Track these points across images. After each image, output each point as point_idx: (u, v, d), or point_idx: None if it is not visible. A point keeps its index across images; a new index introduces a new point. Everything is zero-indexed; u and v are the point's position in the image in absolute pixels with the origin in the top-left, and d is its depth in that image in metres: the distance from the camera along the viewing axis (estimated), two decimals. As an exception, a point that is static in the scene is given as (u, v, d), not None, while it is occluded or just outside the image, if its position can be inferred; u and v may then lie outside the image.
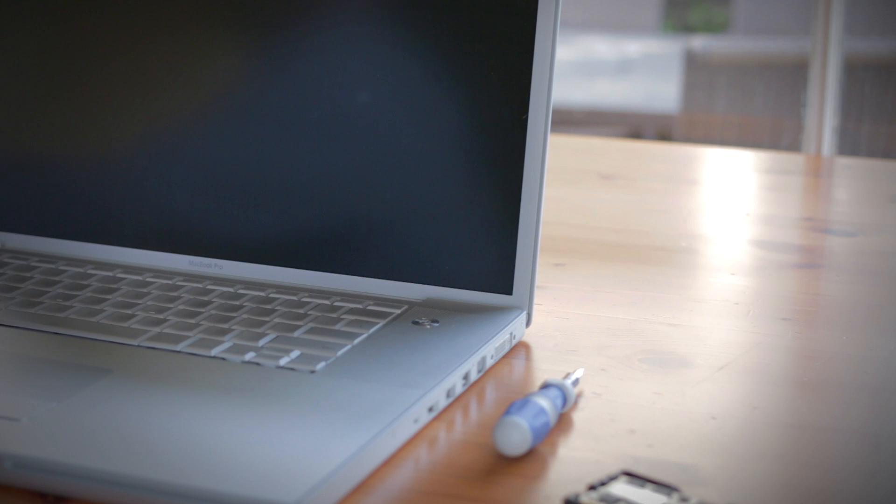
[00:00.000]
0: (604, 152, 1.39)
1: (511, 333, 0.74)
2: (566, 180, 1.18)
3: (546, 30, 0.76)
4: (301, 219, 0.81)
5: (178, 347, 0.71)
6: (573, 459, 0.62)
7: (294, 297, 0.78)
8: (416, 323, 0.74)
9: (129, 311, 0.76)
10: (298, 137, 0.81)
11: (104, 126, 0.85)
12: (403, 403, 0.63)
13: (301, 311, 0.76)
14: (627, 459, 0.61)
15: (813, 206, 1.17)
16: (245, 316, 0.75)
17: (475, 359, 0.70)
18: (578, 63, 4.47)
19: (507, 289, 0.76)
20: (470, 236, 0.77)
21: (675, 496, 0.56)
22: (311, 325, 0.74)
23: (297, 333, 0.73)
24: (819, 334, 0.81)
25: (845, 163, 1.49)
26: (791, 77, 3.16)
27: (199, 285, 0.80)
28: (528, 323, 0.77)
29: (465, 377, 0.69)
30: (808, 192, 1.23)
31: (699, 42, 4.22)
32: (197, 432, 0.60)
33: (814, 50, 2.07)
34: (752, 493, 0.58)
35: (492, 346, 0.72)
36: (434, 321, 0.74)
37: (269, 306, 0.77)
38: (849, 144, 2.89)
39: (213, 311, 0.76)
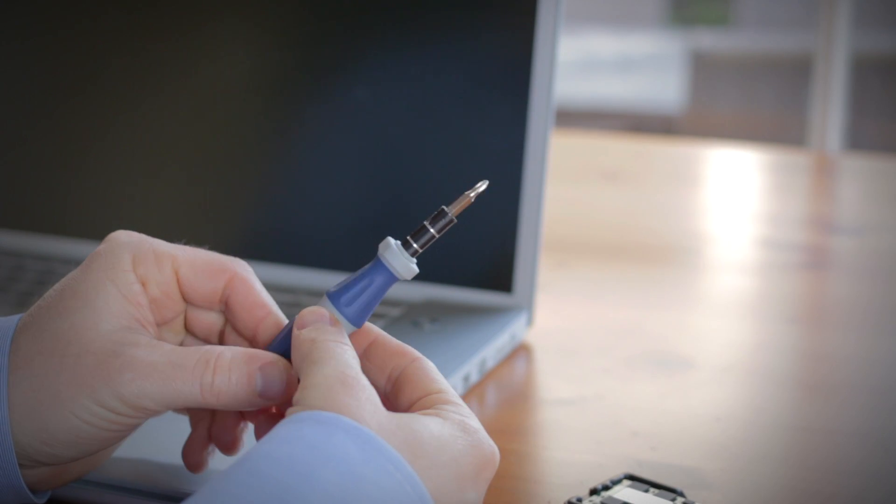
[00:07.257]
0: (607, 151, 1.38)
1: (512, 334, 0.73)
2: (569, 179, 1.17)
3: (547, 26, 0.75)
4: (299, 217, 0.80)
5: (175, 348, 0.70)
6: (575, 463, 0.61)
7: (292, 297, 0.77)
8: (415, 324, 0.73)
9: (126, 312, 0.75)
10: (296, 136, 0.80)
11: (102, 126, 0.85)
12: (402, 406, 0.62)
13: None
14: (631, 463, 0.60)
15: (819, 204, 1.16)
16: (243, 316, 0.74)
17: (475, 360, 0.69)
18: (580, 60, 4.46)
19: (507, 287, 0.75)
20: (471, 234, 0.76)
21: (679, 500, 0.55)
22: (309, 325, 0.73)
23: (295, 334, 0.72)
24: (825, 336, 0.80)
25: (851, 160, 1.48)
26: (796, 74, 3.16)
27: (197, 285, 0.79)
28: (529, 323, 0.76)
29: (466, 379, 0.68)
30: (813, 190, 1.23)
31: (703, 39, 4.21)
32: (192, 435, 0.60)
33: (819, 46, 2.06)
34: (757, 496, 0.58)
35: (492, 348, 0.71)
36: (434, 322, 0.74)
37: (267, 306, 0.76)
38: (855, 142, 2.88)
39: (211, 312, 0.75)
